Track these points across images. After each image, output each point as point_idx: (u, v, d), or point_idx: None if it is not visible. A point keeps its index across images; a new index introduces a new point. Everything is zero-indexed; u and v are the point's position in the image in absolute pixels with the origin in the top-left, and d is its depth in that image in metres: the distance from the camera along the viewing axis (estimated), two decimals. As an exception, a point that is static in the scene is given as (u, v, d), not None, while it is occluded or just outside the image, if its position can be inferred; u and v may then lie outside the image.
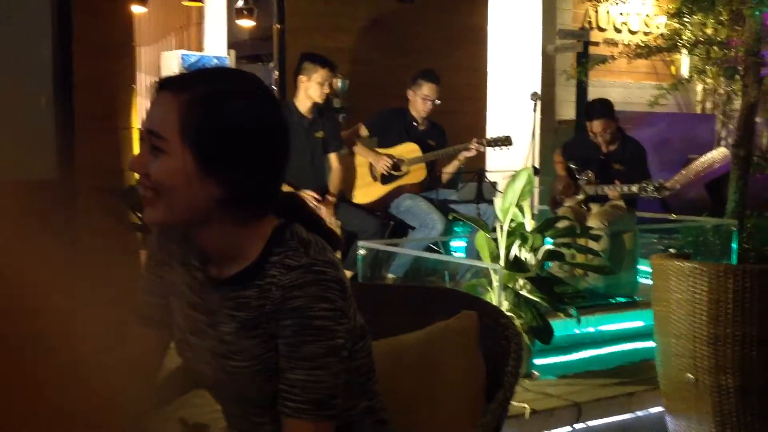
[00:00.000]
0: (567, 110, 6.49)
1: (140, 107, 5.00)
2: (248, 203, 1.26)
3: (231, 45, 7.84)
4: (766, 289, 3.08)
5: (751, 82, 5.02)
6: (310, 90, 4.60)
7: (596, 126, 4.95)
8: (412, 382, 1.66)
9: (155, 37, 7.76)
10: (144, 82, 6.98)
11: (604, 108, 5.03)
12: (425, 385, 1.65)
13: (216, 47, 7.57)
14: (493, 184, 4.66)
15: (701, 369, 3.14)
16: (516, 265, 3.61)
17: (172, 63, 6.97)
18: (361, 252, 4.07)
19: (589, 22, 7.62)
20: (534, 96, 4.76)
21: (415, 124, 4.99)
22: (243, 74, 1.31)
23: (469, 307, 1.75)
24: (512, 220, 3.69)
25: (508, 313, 3.54)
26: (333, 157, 4.74)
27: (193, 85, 1.23)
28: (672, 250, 4.74)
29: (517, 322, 3.53)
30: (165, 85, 1.24)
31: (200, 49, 7.51)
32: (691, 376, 3.17)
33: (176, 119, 1.20)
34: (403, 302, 1.95)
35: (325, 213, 4.47)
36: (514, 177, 3.67)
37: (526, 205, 3.74)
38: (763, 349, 3.05)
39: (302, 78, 4.62)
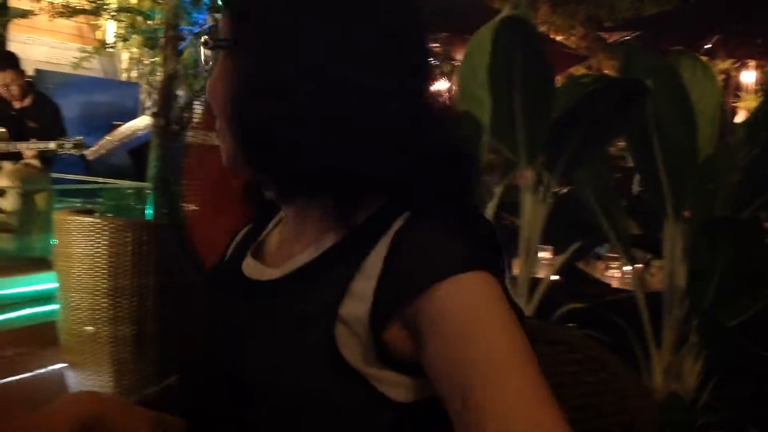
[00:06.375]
0: (-17, 63, 6.05)
1: None
2: None
3: None
4: (162, 241, 3.29)
5: (170, 55, 5.28)
6: None
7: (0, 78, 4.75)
8: None
9: None
10: None
11: (7, 60, 4.84)
12: None
13: None
14: None
15: (100, 321, 3.22)
16: None
17: None
18: None
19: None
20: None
21: None
22: None
23: None
24: None
25: None
26: None
27: None
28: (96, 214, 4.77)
29: None
30: None
31: None
32: (91, 329, 3.23)
33: None
34: None
35: None
36: None
37: None
38: (158, 299, 3.25)
39: None
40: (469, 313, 0.75)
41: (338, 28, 0.82)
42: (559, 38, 9.14)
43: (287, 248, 0.93)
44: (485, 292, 0.77)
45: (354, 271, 0.81)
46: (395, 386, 0.81)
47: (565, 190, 2.41)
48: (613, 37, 8.89)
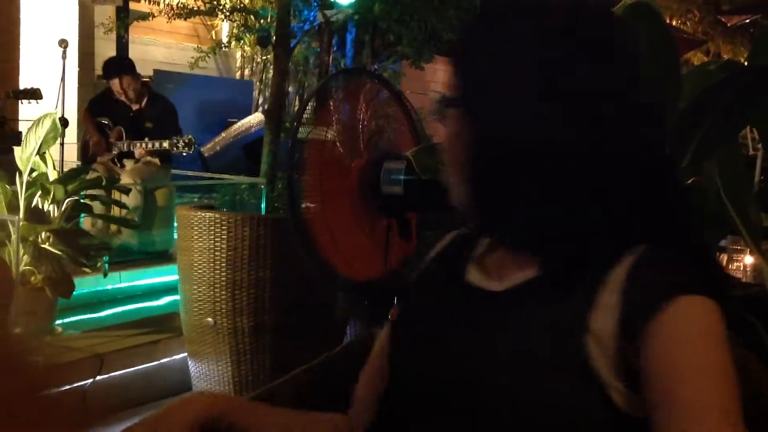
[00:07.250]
0: (107, 65, 6.33)
1: None
2: None
3: None
4: (278, 235, 3.35)
5: (282, 53, 5.36)
6: None
7: (115, 85, 4.94)
8: None
9: None
10: None
11: (121, 66, 5.04)
12: None
13: None
14: (19, 134, 4.36)
15: (220, 313, 3.31)
16: (36, 217, 3.44)
17: None
18: None
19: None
20: (62, 43, 4.54)
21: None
22: None
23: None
24: (34, 170, 3.50)
25: (28, 267, 3.37)
26: None
27: None
28: (211, 209, 4.91)
29: (38, 276, 3.37)
30: None
31: None
32: (211, 320, 3.32)
33: None
34: None
35: None
36: (36, 123, 3.47)
37: (49, 155, 3.57)
38: (275, 291, 3.32)
39: None
40: (688, 330, 0.81)
41: (569, 79, 0.86)
42: (674, 23, 8.83)
43: (511, 261, 0.94)
44: (706, 316, 0.82)
45: (598, 284, 0.85)
46: (632, 400, 0.83)
47: (689, 182, 2.32)
48: (733, 21, 8.52)
